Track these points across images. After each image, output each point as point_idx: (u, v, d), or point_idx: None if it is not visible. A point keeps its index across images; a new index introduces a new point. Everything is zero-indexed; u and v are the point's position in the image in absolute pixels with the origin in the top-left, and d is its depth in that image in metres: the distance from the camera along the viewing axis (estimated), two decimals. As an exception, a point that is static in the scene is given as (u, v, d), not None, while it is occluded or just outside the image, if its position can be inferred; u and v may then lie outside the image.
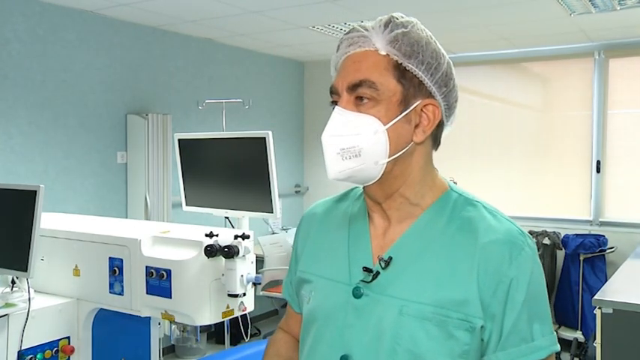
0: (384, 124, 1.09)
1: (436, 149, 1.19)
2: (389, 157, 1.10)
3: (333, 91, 1.15)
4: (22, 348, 2.12)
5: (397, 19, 1.13)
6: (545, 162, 5.65)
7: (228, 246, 1.96)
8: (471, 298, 1.06)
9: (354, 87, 1.10)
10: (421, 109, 1.12)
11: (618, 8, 4.15)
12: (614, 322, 2.95)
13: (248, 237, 2.03)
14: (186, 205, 3.46)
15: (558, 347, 1.11)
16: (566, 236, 5.24)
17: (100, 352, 2.34)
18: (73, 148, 4.32)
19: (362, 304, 1.13)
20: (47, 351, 2.20)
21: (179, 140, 3.43)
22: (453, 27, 4.82)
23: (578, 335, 4.96)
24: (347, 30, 1.18)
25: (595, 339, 3.08)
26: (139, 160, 4.64)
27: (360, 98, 1.10)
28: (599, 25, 4.66)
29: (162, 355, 4.33)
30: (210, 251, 1.96)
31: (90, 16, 4.39)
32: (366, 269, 1.13)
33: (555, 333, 1.13)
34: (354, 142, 1.09)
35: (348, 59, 1.14)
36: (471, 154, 6.00)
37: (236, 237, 2.01)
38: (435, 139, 1.17)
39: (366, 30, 1.13)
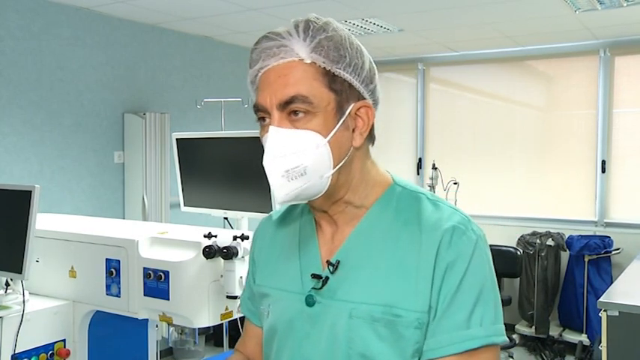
0: (325, 137, 1.06)
1: (373, 145, 1.17)
2: (333, 169, 1.07)
3: (260, 109, 1.09)
4: (17, 351, 2.09)
5: (315, 22, 1.08)
6: (549, 162, 5.64)
7: (227, 247, 1.95)
8: (418, 293, 1.04)
9: (285, 104, 1.05)
10: (355, 113, 1.10)
11: (625, 5, 4.12)
12: (620, 324, 2.95)
13: (247, 238, 2.01)
14: (185, 205, 3.44)
15: (501, 339, 1.05)
16: (571, 237, 5.20)
17: (96, 355, 2.32)
18: (68, 147, 4.28)
19: (315, 311, 1.12)
20: (42, 354, 2.17)
21: (177, 140, 3.40)
22: (456, 25, 4.80)
23: (583, 338, 4.95)
24: (257, 39, 1.11)
25: (600, 342, 3.06)
26: (136, 160, 4.61)
27: (294, 113, 1.06)
28: (604, 22, 4.64)
29: (160, 358, 4.28)
30: (209, 252, 1.94)
31: (85, 13, 4.34)
32: (315, 276, 1.12)
33: (503, 325, 1.07)
34: (298, 161, 1.05)
35: (271, 72, 1.08)
36: (473, 153, 5.99)
37: (235, 238, 1.99)
38: (371, 136, 1.14)
39: (282, 37, 1.08)
